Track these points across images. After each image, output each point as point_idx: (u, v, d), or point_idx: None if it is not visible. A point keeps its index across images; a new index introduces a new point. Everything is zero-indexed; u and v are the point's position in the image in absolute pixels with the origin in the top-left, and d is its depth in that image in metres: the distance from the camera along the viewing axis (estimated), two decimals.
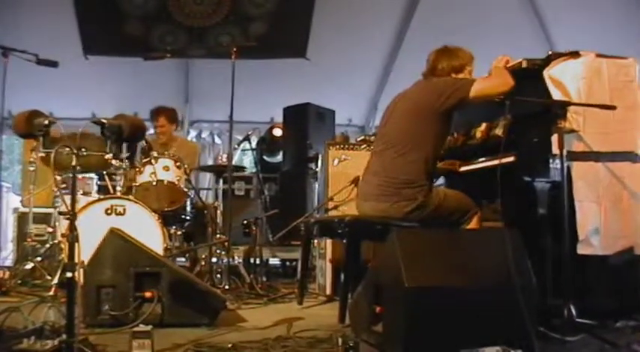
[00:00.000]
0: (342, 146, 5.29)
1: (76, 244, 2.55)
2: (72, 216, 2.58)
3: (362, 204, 3.81)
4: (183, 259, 5.71)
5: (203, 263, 5.17)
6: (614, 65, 3.78)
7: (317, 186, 6.50)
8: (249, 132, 5.85)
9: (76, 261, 2.55)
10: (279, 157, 8.37)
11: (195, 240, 5.65)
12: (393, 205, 3.56)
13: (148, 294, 3.37)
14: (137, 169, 5.15)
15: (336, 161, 5.20)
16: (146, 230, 4.48)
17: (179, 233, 5.29)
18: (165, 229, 4.75)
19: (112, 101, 8.56)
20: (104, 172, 5.25)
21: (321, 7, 8.32)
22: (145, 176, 5.13)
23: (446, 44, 3.86)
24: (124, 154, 4.80)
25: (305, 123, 7.61)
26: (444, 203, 3.63)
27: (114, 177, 5.01)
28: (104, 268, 3.40)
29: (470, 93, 3.54)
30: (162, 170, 5.16)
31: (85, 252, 2.92)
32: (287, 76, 8.96)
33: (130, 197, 4.79)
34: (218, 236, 5.24)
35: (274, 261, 7.10)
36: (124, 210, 4.60)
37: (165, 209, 5.08)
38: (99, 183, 5.99)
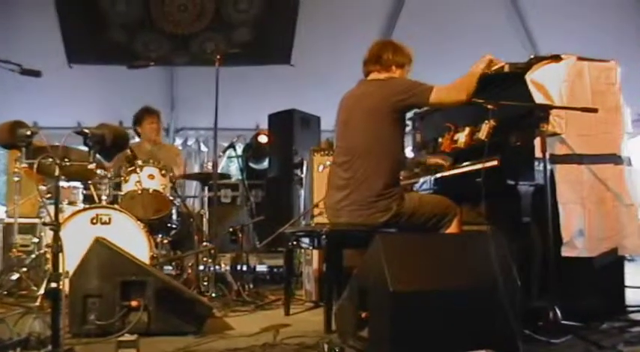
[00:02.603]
0: (326, 152, 5.30)
1: (61, 254, 2.55)
2: (56, 226, 2.57)
3: (334, 219, 3.77)
4: (169, 267, 5.68)
5: (190, 271, 5.15)
6: (596, 68, 3.83)
7: (303, 192, 6.50)
8: (234, 139, 5.85)
9: (61, 271, 2.54)
10: (265, 164, 8.36)
11: (182, 248, 5.61)
12: (369, 218, 3.55)
13: (134, 303, 3.36)
14: (122, 178, 5.13)
15: (321, 167, 5.21)
16: (132, 239, 4.48)
17: (165, 241, 5.27)
18: (151, 238, 4.74)
19: (96, 110, 8.54)
20: (89, 181, 5.23)
21: (305, 13, 8.35)
22: (130, 185, 5.12)
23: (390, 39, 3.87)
24: (109, 163, 4.80)
25: (290, 130, 7.62)
26: (420, 208, 3.63)
27: (99, 186, 4.99)
28: (90, 277, 3.38)
29: (429, 100, 3.57)
30: (147, 178, 5.14)
31: (71, 261, 2.92)
32: (272, 82, 8.97)
33: (116, 206, 4.78)
34: (204, 243, 5.22)
35: (261, 268, 7.06)
36: (110, 219, 4.60)
37: (151, 217, 5.06)
38: (84, 192, 5.96)
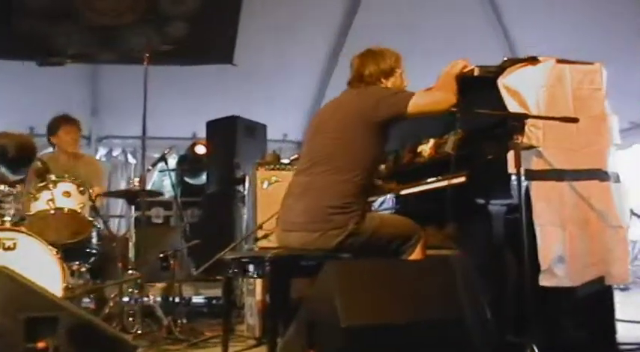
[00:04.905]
0: (272, 166, 5.30)
1: None
2: None
3: (285, 235, 3.75)
4: (88, 300, 5.59)
5: (112, 304, 5.07)
6: (578, 71, 3.87)
7: (246, 211, 6.48)
8: (166, 151, 5.81)
9: None
10: (203, 178, 8.32)
11: (103, 277, 5.54)
12: (322, 236, 3.54)
13: (41, 344, 3.27)
14: (31, 195, 5.03)
15: (265, 183, 5.19)
16: (42, 267, 4.38)
17: (83, 269, 5.18)
18: (65, 265, 4.64)
19: (1, 114, 8.39)
20: None
21: (249, 5, 8.34)
22: (41, 203, 5.01)
23: (368, 47, 3.88)
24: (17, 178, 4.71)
25: (232, 140, 7.60)
26: (381, 229, 3.63)
27: (2, 205, 4.88)
28: None
29: (407, 108, 3.56)
30: (62, 196, 5.05)
31: None
32: (211, 84, 8.99)
33: (22, 228, 4.68)
34: (130, 272, 5.15)
35: (197, 299, 7.03)
36: (15, 244, 4.48)
37: (66, 241, 4.95)
38: None
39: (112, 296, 5.15)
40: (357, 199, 3.59)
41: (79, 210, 5.14)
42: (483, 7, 8.70)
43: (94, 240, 5.36)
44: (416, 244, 3.70)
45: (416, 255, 3.69)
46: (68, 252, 4.90)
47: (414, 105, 3.55)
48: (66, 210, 5.05)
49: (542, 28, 8.24)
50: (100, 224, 5.48)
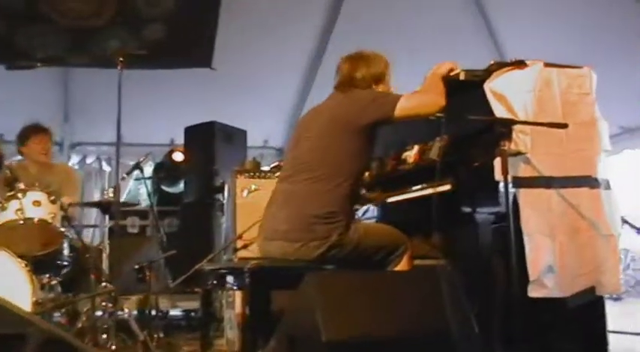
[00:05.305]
0: (252, 174, 5.29)
1: None
2: None
3: (266, 244, 3.75)
4: (59, 314, 5.55)
5: (84, 318, 5.03)
6: (567, 76, 3.89)
7: (225, 220, 6.46)
8: (141, 159, 5.79)
9: None
10: (181, 187, 8.30)
11: (76, 291, 5.50)
12: (303, 247, 3.53)
13: None
14: None
15: (245, 192, 5.19)
16: (10, 280, 4.35)
17: (54, 282, 5.15)
18: (35, 278, 4.61)
19: None
20: None
21: (229, 6, 8.29)
22: (9, 213, 4.97)
23: (359, 50, 3.88)
24: None
25: (210, 146, 7.60)
26: (365, 240, 3.62)
27: None
28: None
29: (395, 111, 3.57)
30: (31, 205, 5.01)
31: None
32: (189, 89, 8.94)
33: None
34: (104, 284, 5.11)
35: (175, 312, 7.00)
36: None
37: (36, 253, 4.92)
38: None
39: (85, 310, 5.09)
40: (342, 209, 3.58)
41: (50, 220, 5.10)
42: (470, 8, 8.72)
43: (66, 252, 5.32)
44: (402, 255, 3.69)
45: (402, 265, 3.68)
46: (38, 265, 4.86)
47: (401, 109, 3.56)
48: (36, 220, 5.00)
49: (529, 30, 8.26)
50: (72, 234, 5.45)
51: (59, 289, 5.26)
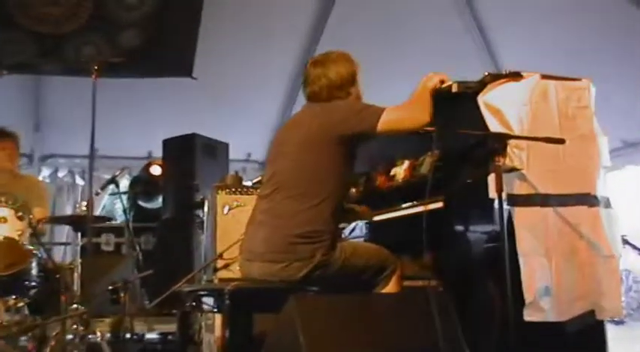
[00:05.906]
0: (233, 189, 5.29)
1: None
2: None
3: (246, 264, 3.74)
4: (25, 339, 5.51)
5: (53, 343, 4.99)
6: (565, 88, 3.90)
7: (205, 238, 6.45)
8: (117, 172, 5.78)
9: None
10: (158, 202, 8.29)
11: (44, 313, 5.46)
12: (286, 268, 3.50)
13: None
14: None
15: (226, 208, 5.18)
16: None
17: (21, 304, 5.08)
18: (0, 300, 4.57)
19: None
20: None
21: (210, 12, 8.28)
22: None
23: (324, 53, 3.89)
24: None
25: (190, 160, 7.61)
26: (352, 259, 3.60)
27: None
28: None
29: (377, 126, 3.54)
30: None
31: None
32: (168, 99, 8.95)
33: None
34: (75, 306, 5.08)
35: (151, 336, 6.96)
36: None
37: (2, 273, 4.91)
38: None
39: (54, 334, 5.05)
40: (326, 227, 3.56)
41: (17, 238, 5.08)
42: (464, 16, 8.76)
43: (34, 271, 5.27)
44: (391, 275, 3.68)
45: (390, 287, 3.66)
46: (3, 285, 4.87)
47: (384, 123, 3.53)
48: (1, 238, 4.99)
49: (526, 40, 8.31)
50: (41, 253, 5.40)
51: (26, 311, 5.19)
